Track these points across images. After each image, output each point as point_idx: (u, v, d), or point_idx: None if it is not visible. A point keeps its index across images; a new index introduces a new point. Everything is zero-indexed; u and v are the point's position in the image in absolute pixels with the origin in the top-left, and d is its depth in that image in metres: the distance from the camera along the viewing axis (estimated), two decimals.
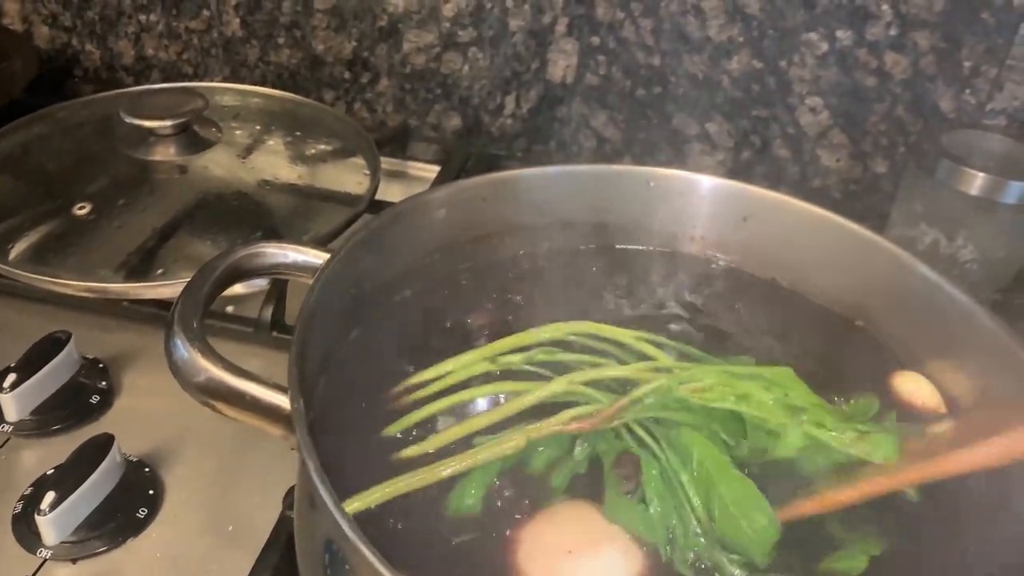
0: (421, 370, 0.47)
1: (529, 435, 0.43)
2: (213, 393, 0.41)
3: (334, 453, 0.41)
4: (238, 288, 0.59)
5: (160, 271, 0.68)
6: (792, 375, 0.45)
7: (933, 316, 0.49)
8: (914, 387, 0.49)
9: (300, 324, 0.43)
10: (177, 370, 0.42)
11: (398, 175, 0.95)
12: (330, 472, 0.36)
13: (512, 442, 0.43)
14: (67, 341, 0.63)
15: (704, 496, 0.40)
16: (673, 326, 0.52)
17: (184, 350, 0.42)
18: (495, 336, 0.48)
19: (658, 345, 0.49)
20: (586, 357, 0.48)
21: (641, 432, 0.43)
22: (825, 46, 0.85)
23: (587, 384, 0.45)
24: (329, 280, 0.46)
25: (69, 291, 0.66)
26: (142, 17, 1.03)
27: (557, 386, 0.44)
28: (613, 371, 0.46)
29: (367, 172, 0.81)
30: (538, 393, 0.45)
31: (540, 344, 0.48)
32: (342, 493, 0.35)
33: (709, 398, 0.43)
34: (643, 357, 0.48)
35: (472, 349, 0.48)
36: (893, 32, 0.83)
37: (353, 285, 0.49)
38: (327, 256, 0.48)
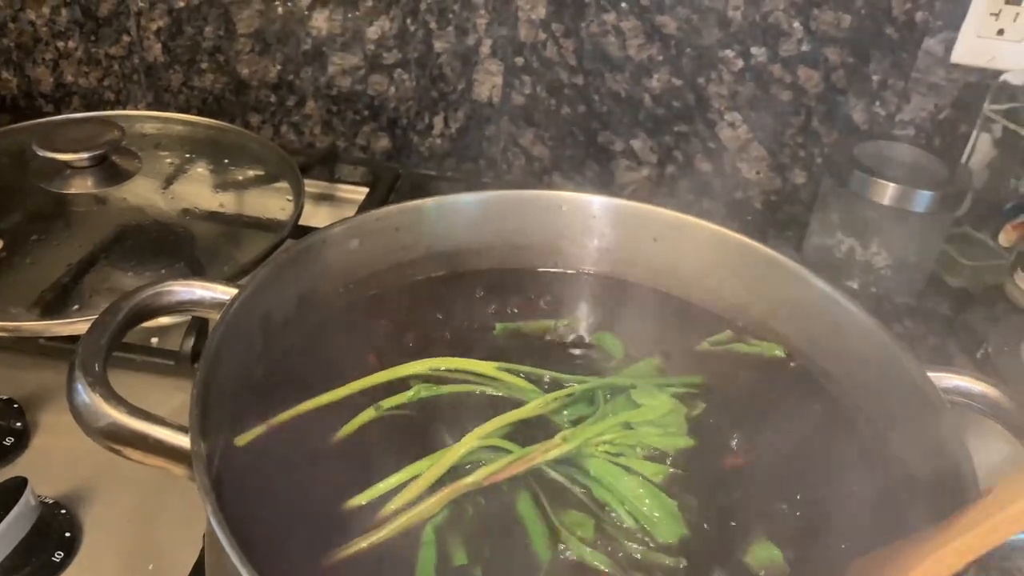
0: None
1: (446, 498, 0.43)
2: (116, 437, 0.41)
3: (246, 499, 0.41)
4: (162, 319, 0.58)
5: (76, 307, 0.66)
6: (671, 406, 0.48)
7: (829, 324, 0.52)
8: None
9: (203, 364, 0.42)
10: (79, 415, 0.41)
11: (326, 198, 0.95)
12: (240, 515, 0.35)
13: (430, 506, 0.43)
14: None
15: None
16: (578, 351, 0.53)
17: (85, 395, 0.41)
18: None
19: (517, 373, 0.50)
20: (462, 388, 0.49)
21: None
22: (741, 63, 0.88)
23: (492, 435, 0.46)
24: (236, 317, 0.46)
25: None
26: (60, 44, 1.01)
27: (467, 445, 0.45)
28: (514, 415, 0.47)
29: (290, 198, 0.80)
30: (450, 457, 0.45)
31: (404, 377, 0.49)
32: (245, 536, 0.35)
33: (612, 451, 0.46)
34: (509, 386, 0.50)
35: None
36: (805, 48, 0.86)
37: (263, 320, 0.49)
38: (236, 292, 0.48)
